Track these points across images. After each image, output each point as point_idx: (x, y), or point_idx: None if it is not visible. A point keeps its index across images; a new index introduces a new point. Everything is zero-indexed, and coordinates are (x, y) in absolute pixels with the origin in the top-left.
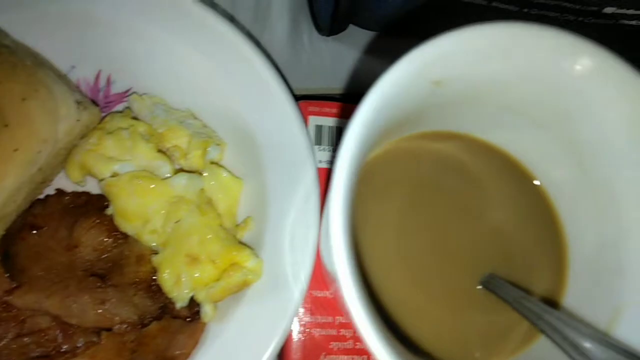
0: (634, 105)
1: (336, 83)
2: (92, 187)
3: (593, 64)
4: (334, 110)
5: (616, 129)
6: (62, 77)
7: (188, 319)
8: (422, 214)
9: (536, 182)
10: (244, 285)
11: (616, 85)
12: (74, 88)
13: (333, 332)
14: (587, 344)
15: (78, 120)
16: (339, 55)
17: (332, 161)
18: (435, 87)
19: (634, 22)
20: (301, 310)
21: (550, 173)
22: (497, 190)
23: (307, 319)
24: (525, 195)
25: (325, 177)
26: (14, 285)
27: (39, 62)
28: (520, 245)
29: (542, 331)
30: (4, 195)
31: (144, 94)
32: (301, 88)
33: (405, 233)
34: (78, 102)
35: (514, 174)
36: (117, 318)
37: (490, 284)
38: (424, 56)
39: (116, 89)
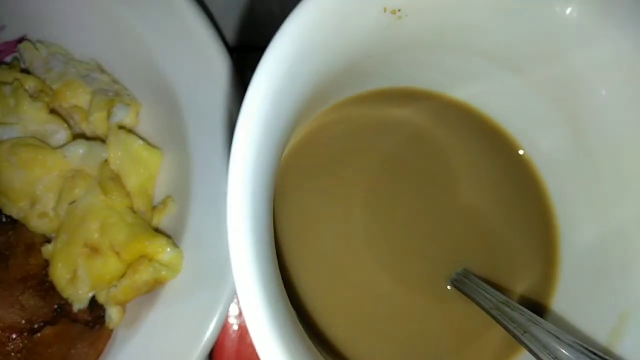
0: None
1: None
2: None
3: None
4: None
5: (617, 81)
6: None
7: (90, 324)
8: (379, 197)
9: (521, 152)
10: (156, 284)
11: (618, 25)
12: None
13: None
14: None
15: None
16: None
17: None
18: (392, 20)
19: None
20: (235, 310)
21: (537, 140)
22: (471, 163)
23: (242, 321)
24: (507, 168)
25: None
26: None
27: None
28: (501, 231)
29: (528, 349)
30: None
31: (39, 41)
32: (242, 39)
33: (357, 222)
34: None
35: (492, 142)
36: None
37: (463, 283)
38: None
39: (7, 35)
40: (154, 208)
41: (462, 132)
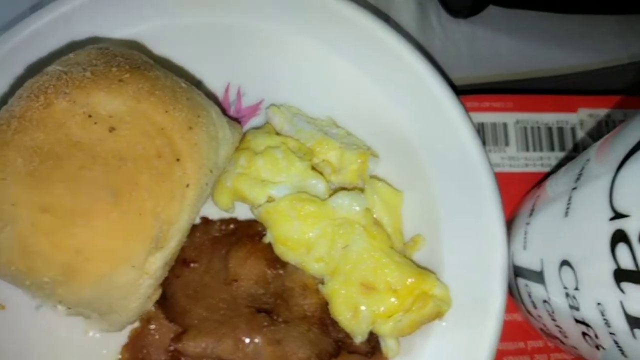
0: None
1: (476, 71)
2: (238, 212)
3: None
4: (497, 104)
5: None
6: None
7: (368, 354)
8: None
9: None
10: (436, 317)
11: None
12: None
13: (526, 359)
14: None
15: (233, 143)
16: (475, 38)
17: (500, 164)
18: None
19: None
20: None
21: None
22: None
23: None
24: None
25: (503, 184)
26: (180, 330)
27: (188, 82)
28: None
29: None
30: (179, 238)
31: (281, 104)
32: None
33: None
34: (228, 123)
35: None
36: (294, 358)
37: None
38: None
39: (247, 101)
40: (404, 245)
41: None
